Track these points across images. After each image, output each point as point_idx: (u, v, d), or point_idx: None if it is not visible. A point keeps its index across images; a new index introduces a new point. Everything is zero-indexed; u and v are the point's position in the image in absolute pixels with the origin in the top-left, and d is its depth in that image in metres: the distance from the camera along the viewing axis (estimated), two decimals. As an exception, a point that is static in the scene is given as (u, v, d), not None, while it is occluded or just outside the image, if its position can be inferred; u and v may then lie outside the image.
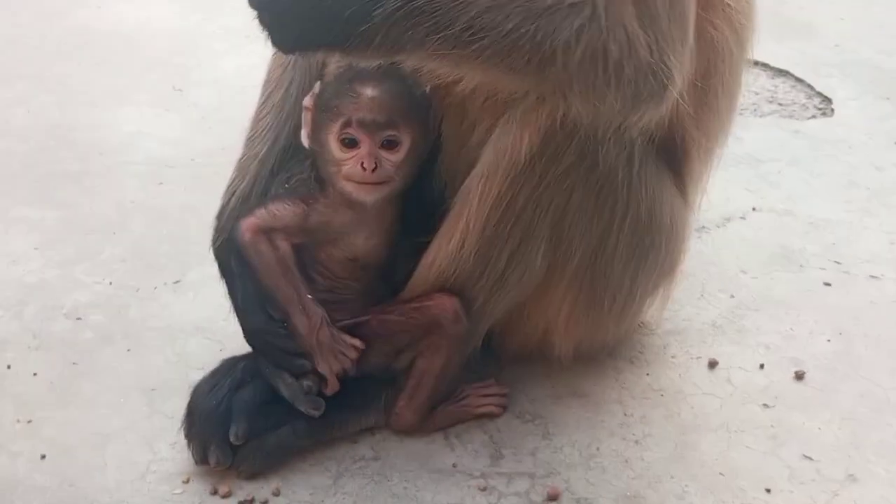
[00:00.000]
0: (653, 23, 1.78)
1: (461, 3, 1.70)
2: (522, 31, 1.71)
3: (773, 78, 3.42)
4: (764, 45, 3.34)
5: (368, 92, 1.91)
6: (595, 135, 1.91)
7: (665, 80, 1.80)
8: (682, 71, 1.84)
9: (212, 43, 3.44)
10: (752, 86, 3.35)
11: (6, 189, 2.80)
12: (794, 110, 3.29)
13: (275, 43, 1.79)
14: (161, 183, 2.84)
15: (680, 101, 1.95)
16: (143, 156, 2.95)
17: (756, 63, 3.40)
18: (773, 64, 3.45)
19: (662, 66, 1.79)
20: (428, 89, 2.00)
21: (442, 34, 1.70)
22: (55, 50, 3.39)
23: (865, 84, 3.41)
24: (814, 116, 3.26)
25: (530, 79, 1.81)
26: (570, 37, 1.71)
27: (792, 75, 3.43)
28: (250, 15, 1.75)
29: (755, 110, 3.24)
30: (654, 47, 1.78)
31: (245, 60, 3.26)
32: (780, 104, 3.31)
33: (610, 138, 1.93)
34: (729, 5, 2.04)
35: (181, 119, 3.11)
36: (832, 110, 3.28)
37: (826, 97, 3.34)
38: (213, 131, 3.02)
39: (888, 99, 3.33)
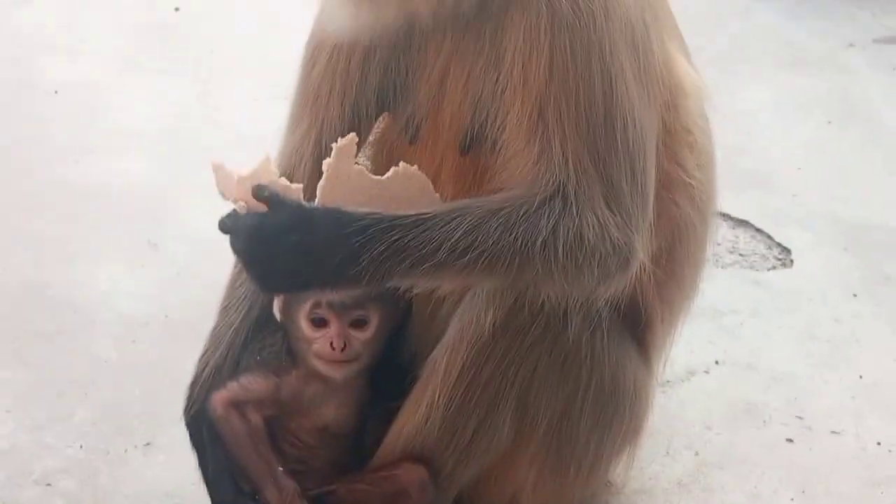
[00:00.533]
0: (619, 203, 1.86)
1: (441, 232, 1.77)
2: (502, 244, 1.79)
3: (733, 228, 3.42)
4: (724, 195, 3.39)
5: None
6: (560, 310, 1.94)
7: (629, 255, 1.88)
8: (643, 243, 1.90)
9: (186, 197, 3.40)
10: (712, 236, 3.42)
11: None
12: (755, 261, 3.30)
13: (264, 290, 1.90)
14: (134, 341, 2.81)
15: (643, 275, 2.00)
16: (117, 314, 2.92)
17: (717, 213, 3.54)
18: (733, 214, 3.43)
19: (629, 242, 1.86)
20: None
21: (427, 263, 1.77)
22: (31, 205, 3.37)
23: (823, 234, 3.41)
24: (773, 267, 3.26)
25: (510, 279, 1.86)
26: (548, 235, 1.79)
27: (752, 226, 3.43)
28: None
29: (717, 261, 3.23)
30: (621, 226, 1.85)
31: (217, 216, 3.29)
32: (741, 255, 3.32)
33: (575, 312, 1.95)
34: (690, 184, 2.10)
35: (156, 275, 3.09)
36: (791, 261, 3.28)
37: (785, 248, 3.34)
38: (187, 287, 3.00)
39: (846, 249, 3.33)
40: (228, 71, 4.26)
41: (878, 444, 2.57)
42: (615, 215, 1.85)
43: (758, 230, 3.43)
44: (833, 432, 2.60)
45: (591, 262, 1.83)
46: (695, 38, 4.77)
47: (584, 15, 1.82)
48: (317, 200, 1.82)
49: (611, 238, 1.83)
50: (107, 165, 3.60)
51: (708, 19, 5.01)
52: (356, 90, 2.04)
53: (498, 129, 1.90)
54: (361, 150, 2.07)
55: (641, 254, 1.90)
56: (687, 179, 2.08)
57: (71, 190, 3.45)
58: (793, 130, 4.09)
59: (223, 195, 1.89)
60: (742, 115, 4.13)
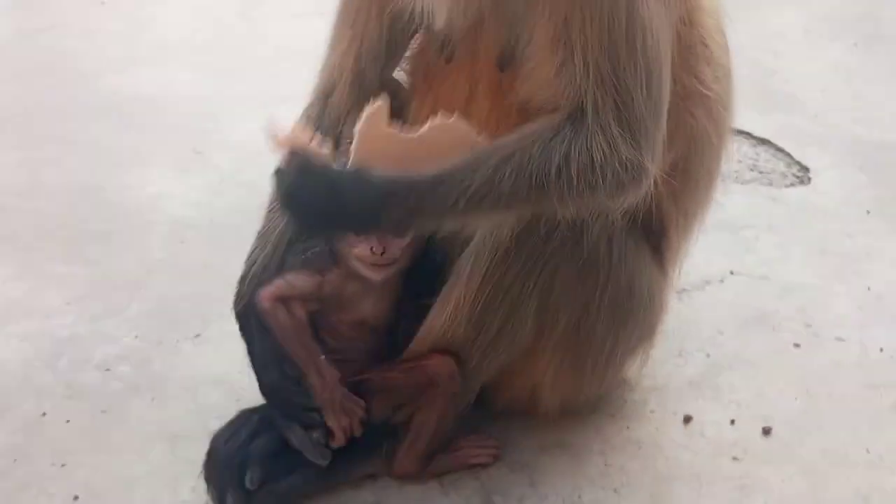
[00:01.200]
0: (632, 117, 1.88)
1: (458, 186, 1.85)
2: (517, 185, 1.86)
3: (755, 147, 3.46)
4: (748, 115, 3.48)
5: None
6: (579, 220, 2.00)
7: (640, 172, 1.91)
8: (657, 159, 1.94)
9: (230, 107, 3.48)
10: (735, 154, 3.34)
11: (39, 247, 2.85)
12: (774, 178, 3.33)
13: (301, 228, 2.02)
14: (182, 242, 2.89)
15: (660, 184, 2.04)
16: (166, 216, 2.99)
17: (740, 132, 3.45)
18: (755, 133, 3.48)
19: (640, 158, 1.90)
20: None
21: (446, 215, 1.88)
22: (84, 113, 3.43)
23: (843, 154, 3.42)
24: (792, 185, 3.29)
25: (528, 213, 1.95)
26: (561, 165, 1.85)
27: (773, 144, 3.46)
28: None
29: (737, 177, 3.27)
30: (632, 143, 1.89)
31: (259, 125, 3.35)
32: (761, 172, 3.35)
33: (592, 221, 2.01)
34: (707, 96, 2.12)
35: (201, 181, 3.15)
36: (809, 179, 3.31)
37: (804, 166, 3.37)
38: (230, 193, 3.07)
39: (862, 169, 3.35)
40: None
41: (881, 350, 2.61)
42: (626, 132, 1.88)
43: (778, 149, 3.45)
44: (838, 339, 2.64)
45: (602, 182, 1.88)
46: (726, -45, 4.85)
47: None
48: (349, 163, 1.90)
49: (620, 157, 1.87)
50: (154, 75, 3.66)
51: (740, -63, 5.09)
52: (393, 8, 2.06)
53: (528, 47, 1.93)
54: (399, 64, 2.14)
55: (653, 170, 1.94)
56: (704, 91, 2.11)
57: (121, 98, 3.50)
58: (820, 52, 4.11)
59: (273, 148, 1.97)
60: (772, 37, 4.20)
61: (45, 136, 3.31)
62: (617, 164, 1.88)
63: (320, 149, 1.91)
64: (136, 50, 3.83)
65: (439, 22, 1.96)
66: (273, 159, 2.06)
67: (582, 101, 1.87)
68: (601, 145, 1.87)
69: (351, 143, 1.94)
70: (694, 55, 2.09)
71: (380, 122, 1.90)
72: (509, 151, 1.88)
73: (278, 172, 1.92)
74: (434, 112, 2.00)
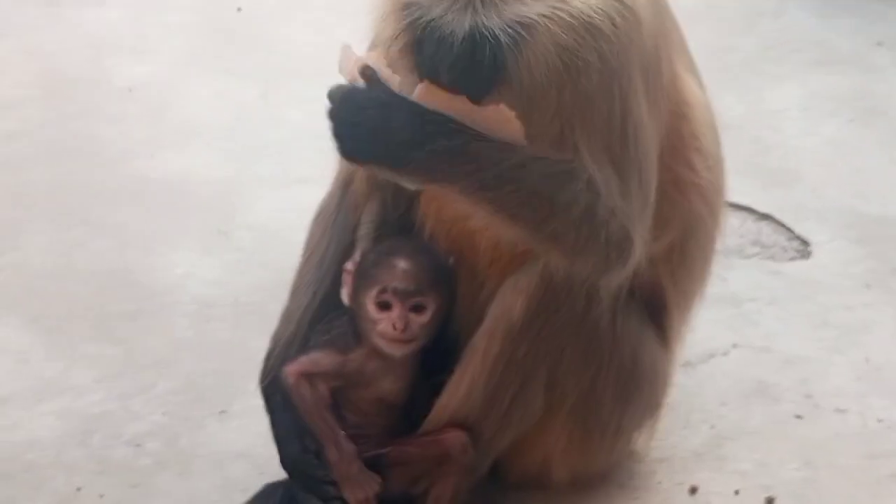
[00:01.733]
0: (626, 199, 1.98)
1: (496, 156, 1.88)
2: (537, 188, 1.92)
3: (757, 222, 3.45)
4: (750, 190, 3.58)
5: (402, 265, 2.09)
6: (582, 297, 2.07)
7: (629, 246, 1.99)
8: (643, 241, 2.02)
9: (251, 188, 3.50)
10: (738, 229, 3.37)
11: (70, 327, 2.86)
12: (775, 252, 3.32)
13: (341, 151, 1.92)
14: (207, 321, 2.90)
15: (659, 264, 2.16)
16: (191, 296, 2.99)
17: (742, 207, 3.46)
18: (757, 209, 3.47)
19: (629, 236, 1.99)
20: (451, 261, 2.16)
21: (473, 178, 1.89)
22: (112, 197, 3.43)
23: (841, 228, 3.40)
24: (793, 258, 3.29)
25: (532, 225, 1.97)
26: (572, 197, 1.92)
27: (774, 219, 3.45)
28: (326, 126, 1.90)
29: (740, 252, 3.28)
30: (625, 220, 1.98)
31: (280, 205, 3.33)
32: (763, 247, 3.35)
33: (594, 300, 2.08)
34: (700, 184, 2.20)
35: (225, 261, 3.14)
36: (809, 253, 3.30)
37: (804, 240, 3.35)
38: (253, 273, 3.07)
39: (861, 242, 3.33)
40: (286, 72, 4.25)
41: (880, 421, 2.63)
42: (623, 201, 1.97)
43: (779, 223, 3.44)
44: (838, 410, 2.66)
45: (597, 237, 1.96)
46: (728, 39, 4.97)
47: (608, 40, 1.92)
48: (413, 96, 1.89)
49: (615, 223, 1.96)
50: (178, 159, 3.66)
51: (740, 20, 5.03)
52: None
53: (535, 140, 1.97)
54: None
55: (640, 244, 2.01)
56: (696, 180, 2.19)
57: (147, 182, 3.50)
58: (818, 128, 4.06)
59: (341, 72, 1.97)
60: (771, 114, 4.16)
61: (74, 219, 3.32)
62: (614, 227, 1.97)
63: (390, 76, 1.91)
64: (162, 134, 3.84)
65: None
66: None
67: (590, 174, 1.96)
68: (604, 206, 1.96)
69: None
70: (686, 147, 2.18)
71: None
72: (540, 157, 1.94)
73: (337, 87, 1.93)
74: (439, 210, 2.11)
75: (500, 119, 1.90)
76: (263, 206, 3.43)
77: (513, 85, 1.92)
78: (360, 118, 1.88)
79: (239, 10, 4.88)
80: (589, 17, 1.91)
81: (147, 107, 4.06)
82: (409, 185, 2.00)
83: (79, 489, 2.37)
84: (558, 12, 1.88)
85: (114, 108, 4.04)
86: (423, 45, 1.93)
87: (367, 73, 1.91)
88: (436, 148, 1.87)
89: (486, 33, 1.85)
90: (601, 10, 1.92)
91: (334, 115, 1.91)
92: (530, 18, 1.86)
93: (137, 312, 2.96)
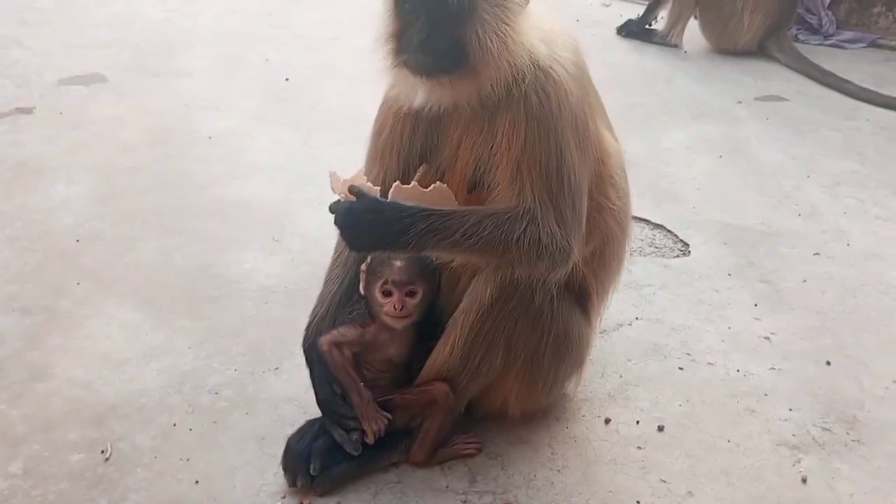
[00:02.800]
0: (564, 223, 1.98)
1: (459, 222, 1.93)
2: (493, 234, 1.93)
3: (652, 230, 3.45)
4: (648, 207, 3.57)
5: (398, 263, 2.10)
6: (530, 287, 2.08)
7: (568, 255, 2.01)
8: (578, 249, 2.03)
9: (298, 208, 3.48)
10: (639, 235, 3.39)
11: (170, 308, 2.84)
12: (665, 251, 3.31)
13: (349, 247, 2.01)
14: (267, 303, 2.87)
15: (583, 266, 2.15)
16: (256, 285, 2.96)
17: (642, 219, 3.47)
18: (653, 220, 3.48)
19: (568, 248, 2.00)
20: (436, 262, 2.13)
21: (447, 240, 1.93)
22: (200, 213, 3.43)
23: (712, 234, 3.41)
24: (677, 256, 3.28)
25: (495, 259, 2.02)
26: (521, 234, 1.94)
27: (665, 228, 3.45)
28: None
29: (641, 251, 3.29)
30: (565, 237, 1.98)
31: (319, 220, 3.16)
32: (656, 247, 3.34)
33: (540, 289, 2.08)
34: (613, 209, 2.21)
35: (279, 260, 3.13)
36: (689, 251, 3.30)
37: (685, 242, 3.36)
38: (300, 269, 3.05)
39: (725, 244, 3.34)
40: (323, 123, 4.25)
41: (737, 371, 2.63)
42: (561, 230, 1.98)
43: (668, 231, 3.44)
44: (709, 363, 2.67)
45: (544, 256, 1.98)
46: (635, 97, 4.99)
47: (546, 111, 1.96)
48: (388, 197, 1.97)
49: (557, 243, 1.98)
50: (246, 187, 3.65)
51: (643, 85, 5.09)
52: (406, 150, 2.14)
53: (492, 178, 2.02)
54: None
55: (577, 255, 2.03)
56: (611, 206, 2.20)
57: (224, 203, 3.50)
58: (696, 162, 4.08)
59: (333, 190, 2.01)
60: (664, 151, 4.19)
61: (173, 230, 3.32)
62: (555, 247, 1.98)
63: (370, 188, 1.98)
64: (234, 169, 3.82)
65: (418, 105, 2.02)
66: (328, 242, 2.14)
67: (532, 210, 1.96)
68: (546, 232, 1.97)
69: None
70: (605, 183, 2.19)
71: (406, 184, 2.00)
72: (489, 214, 1.96)
73: (336, 203, 1.95)
74: None
75: (444, 195, 1.98)
76: (307, 221, 3.40)
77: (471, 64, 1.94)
78: (361, 224, 1.91)
79: (287, 80, 4.92)
80: (527, 94, 1.94)
81: (224, 150, 4.04)
82: (403, 255, 2.04)
83: (175, 424, 2.37)
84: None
85: (200, 150, 4.02)
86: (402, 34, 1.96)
87: (353, 190, 1.94)
88: (417, 230, 1.90)
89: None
90: (538, 87, 1.95)
91: (341, 224, 1.94)
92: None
93: (217, 297, 2.94)
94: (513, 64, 1.94)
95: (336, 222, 1.94)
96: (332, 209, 1.96)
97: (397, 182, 1.99)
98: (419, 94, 1.99)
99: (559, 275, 2.06)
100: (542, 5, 2.05)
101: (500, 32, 1.93)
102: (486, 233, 1.93)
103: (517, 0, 1.96)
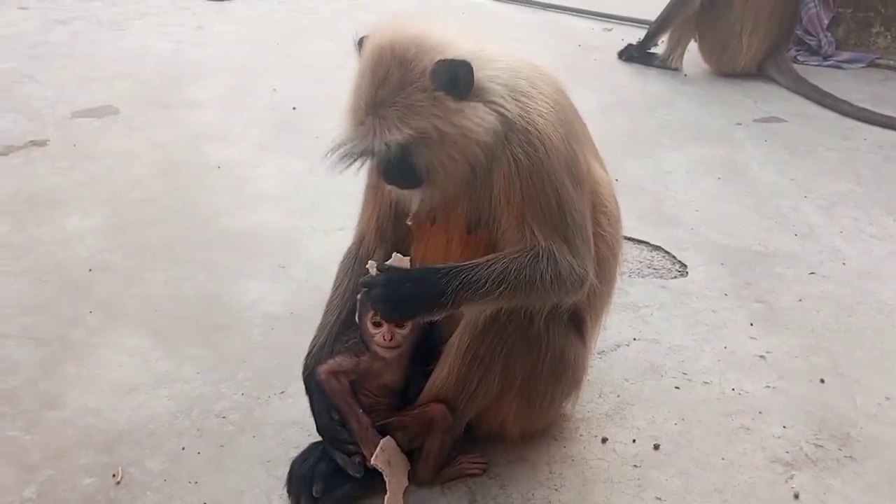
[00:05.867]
0: (577, 253, 2.06)
1: (487, 272, 1.99)
2: (520, 278, 2.01)
3: (651, 251, 3.49)
4: (647, 229, 3.63)
5: None
6: (526, 311, 2.12)
7: (585, 281, 2.09)
8: (591, 274, 2.11)
9: (303, 236, 3.53)
10: (637, 257, 3.43)
11: (180, 336, 2.89)
12: (663, 272, 3.35)
13: (390, 318, 2.10)
14: (273, 329, 2.92)
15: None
16: (262, 313, 3.02)
17: (641, 241, 3.53)
18: (651, 242, 3.53)
19: (585, 274, 2.08)
20: None
21: (480, 291, 1.99)
22: (207, 243, 3.48)
23: (709, 255, 3.44)
24: (675, 277, 3.31)
25: (524, 299, 2.07)
26: (544, 272, 2.02)
27: (663, 249, 3.49)
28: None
29: (639, 272, 3.33)
30: (581, 265, 2.07)
31: (324, 248, 3.36)
32: (655, 269, 3.38)
33: (537, 315, 2.13)
34: (604, 236, 2.26)
35: (285, 287, 3.18)
36: (687, 273, 3.33)
37: (684, 264, 3.39)
38: (305, 296, 3.09)
39: (723, 265, 3.38)
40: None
41: (733, 390, 2.67)
42: (576, 259, 2.06)
43: (667, 252, 3.48)
44: (705, 382, 2.70)
45: (565, 286, 2.06)
46: (636, 121, 5.07)
47: (537, 162, 2.02)
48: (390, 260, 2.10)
49: (575, 272, 2.06)
50: (253, 216, 3.70)
51: (643, 109, 5.14)
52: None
53: (490, 224, 2.09)
54: (404, 221, 2.23)
55: (591, 279, 2.11)
56: (602, 233, 2.25)
57: (230, 233, 3.55)
58: (695, 184, 4.11)
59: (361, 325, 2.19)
60: (663, 174, 4.23)
61: (181, 261, 3.36)
62: (574, 276, 2.06)
63: (401, 260, 2.10)
64: (242, 198, 3.88)
65: (412, 209, 2.13)
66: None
67: (548, 245, 2.04)
68: (564, 264, 2.04)
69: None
70: (597, 212, 2.25)
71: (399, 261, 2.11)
72: (512, 258, 2.03)
73: (370, 277, 2.05)
74: (424, 255, 2.17)
75: (401, 262, 2.08)
76: (313, 249, 3.46)
77: (431, 180, 2.03)
78: (401, 294, 2.00)
79: (294, 108, 5.00)
80: (514, 154, 2.01)
81: (231, 179, 4.10)
82: (439, 316, 2.07)
83: (183, 448, 2.41)
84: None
85: (208, 181, 4.08)
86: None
87: (382, 268, 2.05)
88: (454, 288, 1.98)
89: (387, 145, 1.96)
90: (523, 144, 2.01)
91: (381, 297, 2.02)
92: (413, 135, 1.96)
93: (225, 325, 2.99)
94: (482, 146, 2.01)
95: (373, 296, 2.02)
96: (366, 283, 2.05)
97: (395, 252, 2.12)
98: (406, 199, 2.12)
99: (577, 298, 2.14)
100: (518, 41, 2.14)
101: (447, 145, 1.98)
102: (513, 277, 2.01)
103: (457, 93, 1.97)
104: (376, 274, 2.06)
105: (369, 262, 2.12)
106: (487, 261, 2.02)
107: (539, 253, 2.02)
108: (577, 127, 2.22)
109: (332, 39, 6.25)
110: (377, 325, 2.15)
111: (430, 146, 1.98)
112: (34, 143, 4.44)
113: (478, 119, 1.99)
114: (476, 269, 2.00)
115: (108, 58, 5.83)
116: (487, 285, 1.98)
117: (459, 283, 1.97)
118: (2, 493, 2.27)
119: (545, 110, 2.06)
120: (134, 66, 5.68)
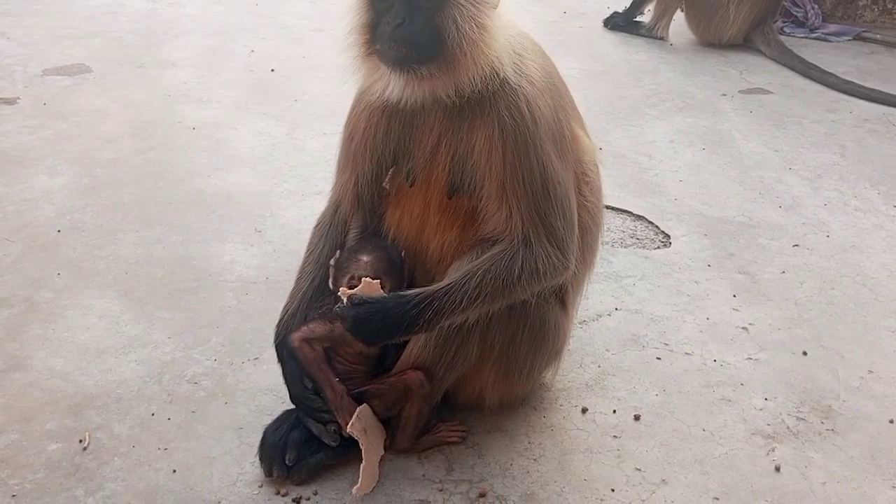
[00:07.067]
0: (557, 239, 2.02)
1: (461, 291, 1.98)
2: (495, 285, 2.00)
3: (633, 221, 3.46)
4: (630, 199, 3.60)
5: (364, 258, 2.12)
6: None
7: (566, 267, 2.07)
8: (574, 258, 2.07)
9: (279, 200, 3.47)
10: (620, 226, 3.40)
11: (151, 299, 2.83)
12: (646, 242, 3.33)
13: (367, 344, 2.09)
14: (247, 294, 2.87)
15: None
16: (236, 276, 2.97)
17: (623, 211, 3.50)
18: (634, 211, 3.50)
19: (565, 261, 2.05)
20: (403, 254, 2.15)
21: (457, 309, 2.00)
22: (181, 205, 3.41)
23: (692, 225, 3.43)
24: (658, 247, 3.29)
25: (503, 302, 2.07)
26: (519, 273, 2.00)
27: (646, 219, 3.47)
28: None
29: (621, 242, 3.30)
30: (560, 252, 2.04)
31: (301, 212, 3.33)
32: (637, 239, 3.36)
33: None
34: (586, 205, 2.22)
35: (260, 251, 3.13)
36: (670, 243, 3.31)
37: (667, 234, 3.37)
38: (281, 260, 3.05)
39: (706, 235, 3.36)
40: (307, 115, 4.24)
41: (714, 361, 2.66)
42: (555, 248, 2.03)
43: (650, 222, 3.46)
44: (686, 353, 2.69)
45: (543, 278, 2.04)
46: (620, 90, 5.00)
47: (522, 128, 1.96)
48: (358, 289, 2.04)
49: (553, 263, 2.03)
50: (228, 178, 3.64)
51: (629, 77, 5.09)
52: (379, 152, 2.14)
53: (471, 187, 2.03)
54: (381, 183, 2.19)
55: (573, 265, 2.08)
56: (585, 203, 2.22)
57: (206, 195, 3.49)
58: (679, 154, 4.08)
59: (331, 286, 2.15)
60: (647, 144, 4.19)
61: (153, 222, 3.28)
62: (552, 268, 2.04)
63: (371, 286, 2.04)
64: (217, 160, 3.81)
65: (392, 99, 2.01)
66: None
67: (526, 235, 2.00)
68: (542, 258, 2.01)
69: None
70: (580, 181, 2.21)
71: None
72: (486, 267, 1.99)
73: (343, 309, 2.01)
74: (399, 222, 2.12)
75: (372, 288, 2.04)
76: (289, 212, 3.41)
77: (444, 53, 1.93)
78: (371, 326, 1.99)
79: (272, 70, 4.90)
80: (500, 112, 1.95)
81: (207, 141, 4.02)
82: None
83: (153, 414, 2.37)
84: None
85: (183, 142, 4.00)
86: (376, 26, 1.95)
87: (354, 300, 2.00)
88: (426, 318, 1.98)
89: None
90: (510, 104, 1.95)
91: (352, 331, 2.00)
92: None
93: (197, 288, 2.94)
94: (488, 62, 1.93)
95: (348, 322, 2.00)
96: (339, 315, 2.02)
97: (366, 278, 2.07)
98: (393, 87, 1.96)
99: (561, 282, 2.13)
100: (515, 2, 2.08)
101: (477, 22, 1.91)
102: (489, 287, 1.99)
103: (491, 0, 1.95)
104: (346, 305, 2.01)
105: (340, 289, 2.07)
106: (462, 277, 1.99)
107: (515, 245, 1.99)
108: (564, 96, 2.17)
109: (312, 1, 6.14)
110: (353, 288, 2.09)
111: (461, 13, 1.91)
112: (3, 101, 4.31)
113: (498, 29, 1.95)
114: (450, 293, 1.98)
115: (81, 15, 5.66)
116: (463, 304, 1.98)
117: (431, 313, 1.96)
118: (-38, 457, 2.20)
119: (536, 78, 2.01)
120: (108, 24, 5.53)
